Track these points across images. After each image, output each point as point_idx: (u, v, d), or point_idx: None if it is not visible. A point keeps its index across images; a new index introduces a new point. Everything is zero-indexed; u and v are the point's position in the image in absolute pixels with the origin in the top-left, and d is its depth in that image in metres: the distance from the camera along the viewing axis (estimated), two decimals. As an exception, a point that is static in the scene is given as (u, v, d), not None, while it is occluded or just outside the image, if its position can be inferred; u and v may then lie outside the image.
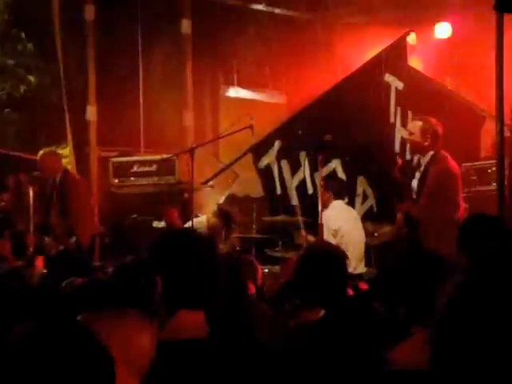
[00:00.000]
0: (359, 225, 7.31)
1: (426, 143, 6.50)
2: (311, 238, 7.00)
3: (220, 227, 7.74)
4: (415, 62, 8.41)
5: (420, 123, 6.63)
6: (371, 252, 7.36)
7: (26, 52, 10.46)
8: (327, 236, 6.72)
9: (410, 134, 6.70)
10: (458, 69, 9.43)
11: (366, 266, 7.23)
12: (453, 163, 6.53)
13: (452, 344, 1.47)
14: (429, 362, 1.59)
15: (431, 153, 6.53)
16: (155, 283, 2.80)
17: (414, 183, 6.64)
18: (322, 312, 2.82)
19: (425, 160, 6.56)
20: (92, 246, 7.85)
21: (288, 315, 3.80)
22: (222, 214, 7.83)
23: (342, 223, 7.12)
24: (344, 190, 7.48)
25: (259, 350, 2.48)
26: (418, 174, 6.63)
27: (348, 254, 6.80)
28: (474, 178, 7.47)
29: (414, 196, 6.63)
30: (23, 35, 10.28)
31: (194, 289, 2.44)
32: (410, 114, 7.51)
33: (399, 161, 6.92)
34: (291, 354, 2.71)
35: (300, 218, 7.20)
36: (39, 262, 6.66)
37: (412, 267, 2.75)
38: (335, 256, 3.48)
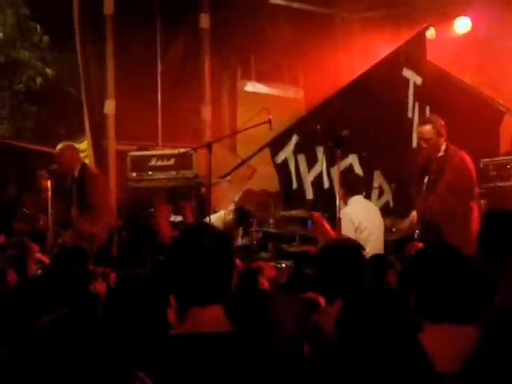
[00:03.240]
0: (379, 219, 7.28)
1: (442, 140, 6.58)
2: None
3: (236, 225, 7.74)
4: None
5: (429, 126, 6.72)
6: (389, 247, 7.34)
7: (43, 45, 10.49)
8: (347, 232, 6.70)
9: (427, 140, 6.73)
10: (478, 64, 9.36)
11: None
12: (464, 154, 6.67)
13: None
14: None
15: (443, 148, 6.65)
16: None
17: (427, 179, 6.69)
18: (341, 304, 2.83)
19: (438, 156, 6.63)
20: (110, 239, 7.88)
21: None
22: (239, 211, 7.82)
23: (362, 218, 7.08)
24: (360, 185, 7.47)
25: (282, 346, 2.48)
26: (431, 170, 6.71)
27: (368, 248, 6.83)
28: (494, 173, 7.42)
29: (426, 191, 6.69)
30: (38, 28, 10.31)
31: (209, 285, 2.44)
32: (428, 108, 7.48)
33: (420, 159, 6.92)
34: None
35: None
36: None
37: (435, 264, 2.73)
38: (352, 247, 3.51)
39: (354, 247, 3.60)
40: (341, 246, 3.59)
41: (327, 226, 6.87)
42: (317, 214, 7.08)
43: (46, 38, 10.36)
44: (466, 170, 6.53)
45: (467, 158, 6.66)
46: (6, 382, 2.76)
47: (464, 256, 2.72)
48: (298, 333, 2.62)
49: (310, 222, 7.25)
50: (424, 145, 6.81)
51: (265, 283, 4.72)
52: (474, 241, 5.81)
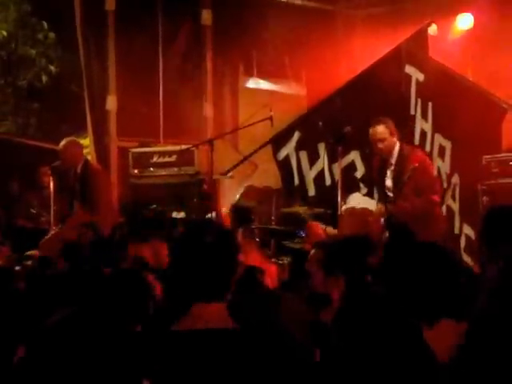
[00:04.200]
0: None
1: (395, 139, 6.76)
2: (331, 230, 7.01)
3: (235, 224, 7.74)
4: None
5: (382, 126, 6.76)
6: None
7: (48, 42, 10.49)
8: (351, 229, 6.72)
9: (382, 140, 6.74)
10: (480, 60, 9.35)
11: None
12: (418, 151, 6.78)
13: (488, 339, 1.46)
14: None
15: (396, 148, 6.76)
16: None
17: (389, 182, 6.73)
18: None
19: (393, 157, 6.73)
20: (113, 236, 7.88)
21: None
22: (237, 211, 7.82)
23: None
24: (356, 183, 7.52)
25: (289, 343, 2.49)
26: (389, 173, 6.73)
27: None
28: (496, 170, 7.40)
29: (390, 194, 6.71)
30: (45, 25, 10.32)
31: (211, 281, 2.44)
32: (430, 105, 7.47)
33: (376, 159, 6.98)
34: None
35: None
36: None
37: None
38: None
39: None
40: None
41: (322, 234, 6.91)
42: (310, 223, 7.14)
43: (51, 35, 10.36)
44: (424, 168, 6.59)
45: (423, 155, 6.76)
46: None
47: (449, 253, 2.72)
48: (304, 337, 2.61)
49: (302, 232, 7.30)
50: (380, 145, 6.81)
51: (268, 282, 4.72)
52: (438, 235, 5.93)
